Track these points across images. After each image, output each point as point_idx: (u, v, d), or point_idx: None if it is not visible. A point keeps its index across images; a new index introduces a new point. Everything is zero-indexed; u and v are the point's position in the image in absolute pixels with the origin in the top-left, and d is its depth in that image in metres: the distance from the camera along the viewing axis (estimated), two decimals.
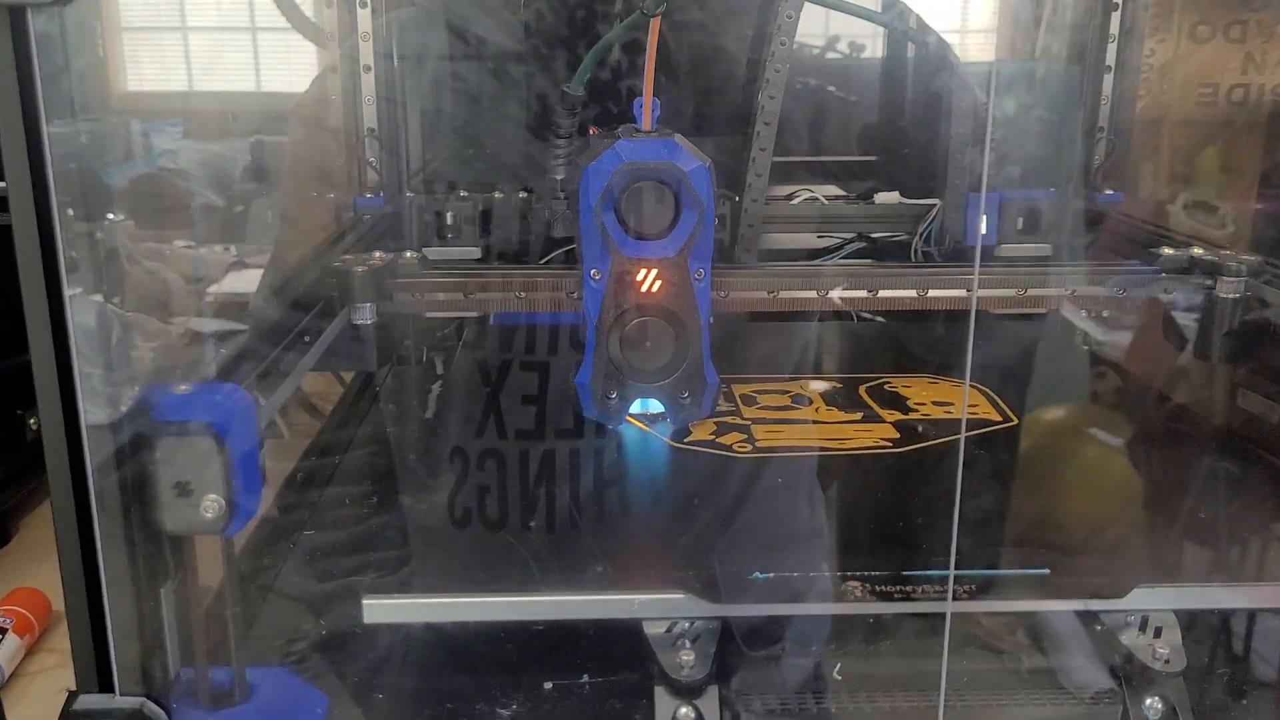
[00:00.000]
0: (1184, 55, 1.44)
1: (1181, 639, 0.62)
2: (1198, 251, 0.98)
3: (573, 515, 0.72)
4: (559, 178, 1.03)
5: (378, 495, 0.79)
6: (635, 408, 0.83)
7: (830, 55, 1.41)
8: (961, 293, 1.01)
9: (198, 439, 0.54)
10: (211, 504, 0.54)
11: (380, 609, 0.61)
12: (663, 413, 0.83)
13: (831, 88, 1.40)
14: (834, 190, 1.36)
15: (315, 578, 0.69)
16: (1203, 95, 1.45)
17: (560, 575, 0.64)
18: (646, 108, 0.77)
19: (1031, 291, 1.00)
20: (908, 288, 0.99)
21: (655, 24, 0.75)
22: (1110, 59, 1.20)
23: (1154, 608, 0.62)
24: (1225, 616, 0.64)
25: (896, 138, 1.36)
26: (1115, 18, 1.18)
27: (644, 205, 0.77)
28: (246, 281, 1.18)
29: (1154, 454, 0.87)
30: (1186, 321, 0.98)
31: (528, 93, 1.23)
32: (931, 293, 0.99)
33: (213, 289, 1.14)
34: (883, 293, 0.99)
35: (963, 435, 0.84)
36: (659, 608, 0.62)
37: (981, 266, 1.09)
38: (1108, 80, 1.20)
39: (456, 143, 1.29)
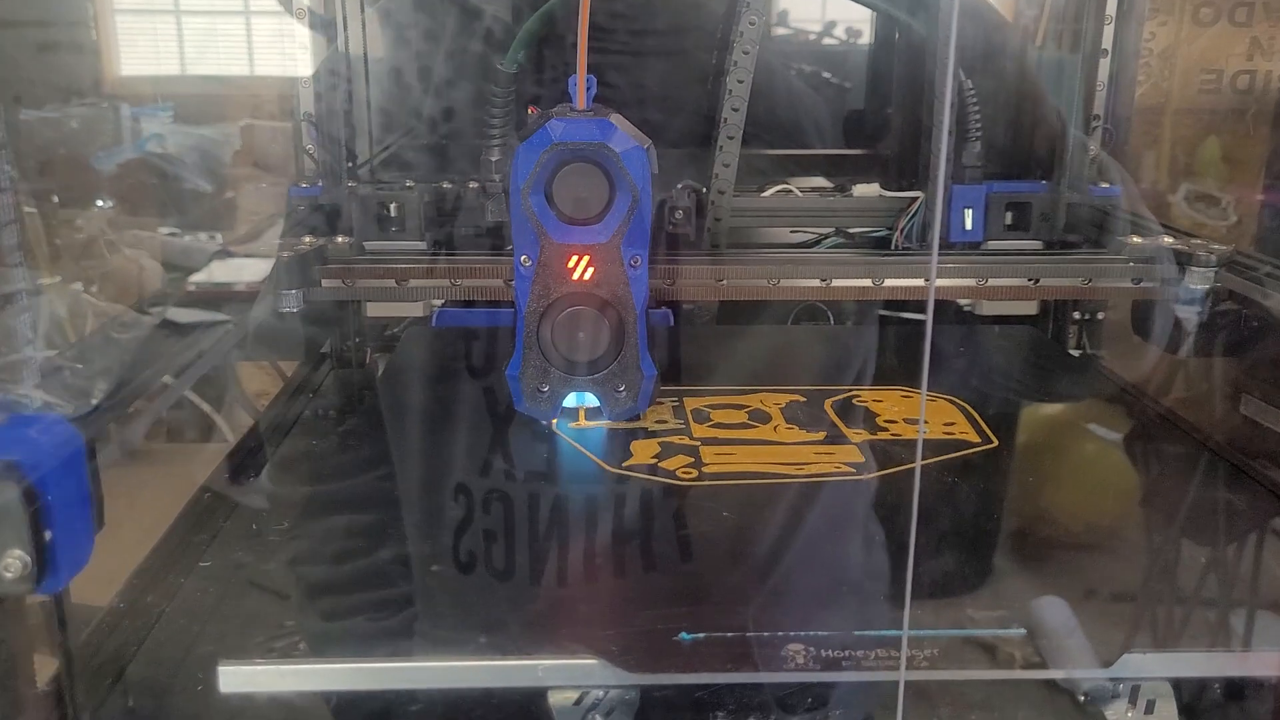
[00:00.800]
0: (1186, 39, 1.36)
1: (1177, 715, 0.53)
2: (1168, 240, 0.93)
3: (473, 559, 0.63)
4: (493, 159, 0.96)
5: (274, 523, 0.70)
6: (569, 401, 0.79)
7: (814, 39, 1.33)
8: (918, 282, 0.94)
9: None
10: (13, 562, 0.45)
11: (238, 676, 0.52)
12: (597, 407, 0.79)
13: (826, 74, 1.32)
14: (821, 182, 1.29)
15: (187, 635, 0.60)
16: (1205, 82, 1.37)
17: (452, 633, 0.55)
18: (581, 85, 0.72)
19: (992, 281, 0.93)
20: (860, 277, 0.93)
21: (585, 2, 0.70)
22: (1107, 42, 1.11)
23: (1146, 677, 0.54)
24: (1230, 688, 0.55)
25: (883, 126, 1.28)
26: None
27: (575, 188, 0.73)
28: (230, 270, 1.12)
29: (1157, 487, 0.79)
30: (1162, 315, 0.93)
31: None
32: (888, 282, 0.93)
33: (195, 278, 1.06)
34: (836, 282, 0.92)
35: (918, 464, 0.75)
36: (566, 674, 0.53)
37: (943, 256, 1.02)
38: (1104, 65, 1.11)
39: (411, 130, 1.21)
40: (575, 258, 0.74)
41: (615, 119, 0.72)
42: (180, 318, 0.87)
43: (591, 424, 0.81)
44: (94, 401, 0.63)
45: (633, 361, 0.77)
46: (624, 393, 0.78)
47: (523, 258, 0.75)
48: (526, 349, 0.77)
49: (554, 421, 0.81)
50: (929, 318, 0.92)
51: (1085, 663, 0.54)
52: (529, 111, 0.93)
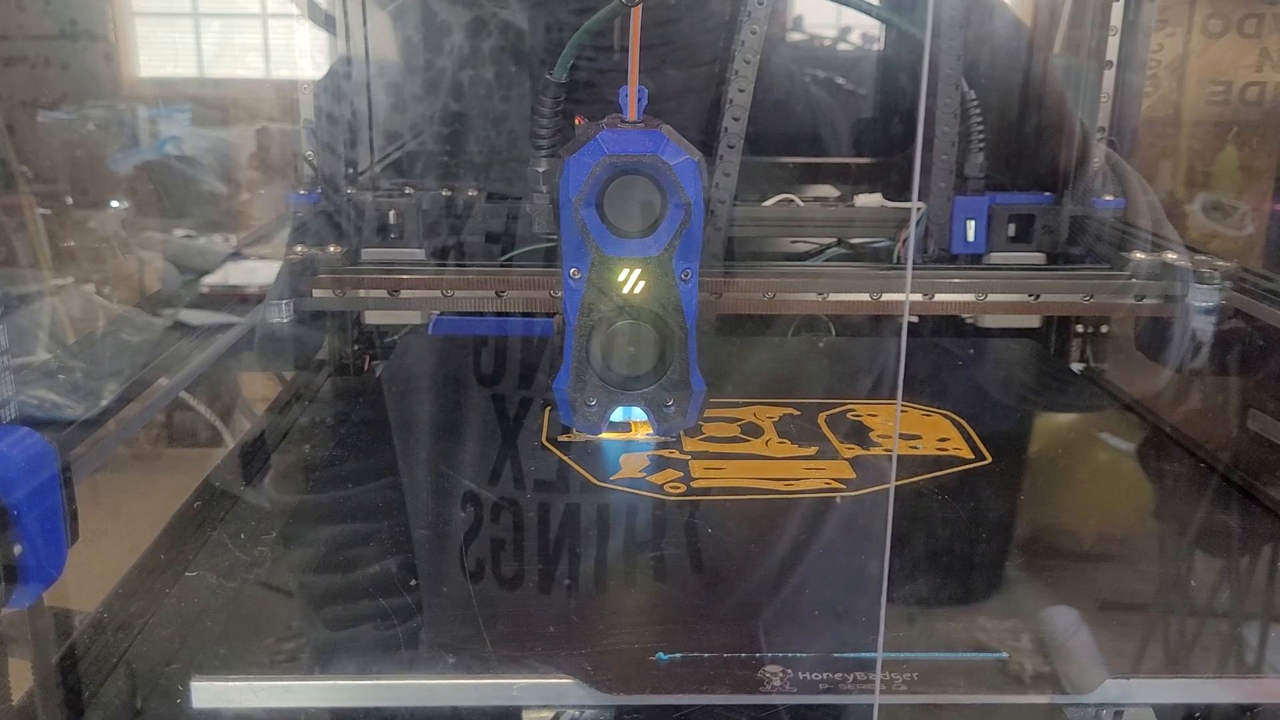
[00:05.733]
0: (1195, 51, 1.35)
1: None
2: (1171, 256, 0.92)
3: (452, 573, 0.62)
4: (540, 170, 0.96)
5: (261, 533, 0.70)
6: (617, 415, 0.78)
7: (827, 46, 1.32)
8: (917, 296, 0.93)
9: None
10: None
11: (211, 692, 0.52)
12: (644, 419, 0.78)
13: (840, 79, 1.31)
14: (828, 191, 1.28)
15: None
16: (1214, 93, 1.36)
17: (426, 651, 0.55)
18: (632, 96, 0.72)
19: (992, 297, 0.93)
20: (856, 291, 0.92)
21: (636, 13, 0.69)
22: (1111, 54, 1.10)
23: (1129, 703, 0.53)
24: (1213, 714, 0.54)
25: (891, 135, 1.27)
26: (1117, 9, 1.08)
27: (627, 201, 0.72)
28: (244, 272, 1.13)
29: (1150, 506, 0.78)
30: (1165, 332, 0.93)
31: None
32: (885, 296, 0.93)
33: (208, 279, 1.06)
34: (833, 296, 0.92)
35: (892, 485, 0.74)
36: (541, 694, 0.52)
37: (942, 270, 1.02)
38: (1108, 77, 1.11)
39: (413, 137, 1.21)
40: (626, 271, 0.74)
41: (666, 130, 0.72)
42: (192, 319, 0.87)
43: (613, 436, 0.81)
44: (103, 402, 0.63)
45: (683, 376, 0.76)
46: (673, 407, 0.77)
47: (572, 270, 0.74)
48: (575, 363, 0.76)
49: (542, 435, 0.81)
50: (903, 331, 0.91)
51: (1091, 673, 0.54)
52: (576, 122, 0.93)
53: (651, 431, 0.79)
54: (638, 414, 0.78)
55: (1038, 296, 0.94)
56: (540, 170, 0.99)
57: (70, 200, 1.77)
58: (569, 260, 0.74)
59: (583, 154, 0.71)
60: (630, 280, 0.74)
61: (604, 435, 0.80)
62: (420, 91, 1.18)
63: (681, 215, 0.72)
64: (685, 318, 0.75)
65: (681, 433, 0.82)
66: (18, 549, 0.46)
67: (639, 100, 0.72)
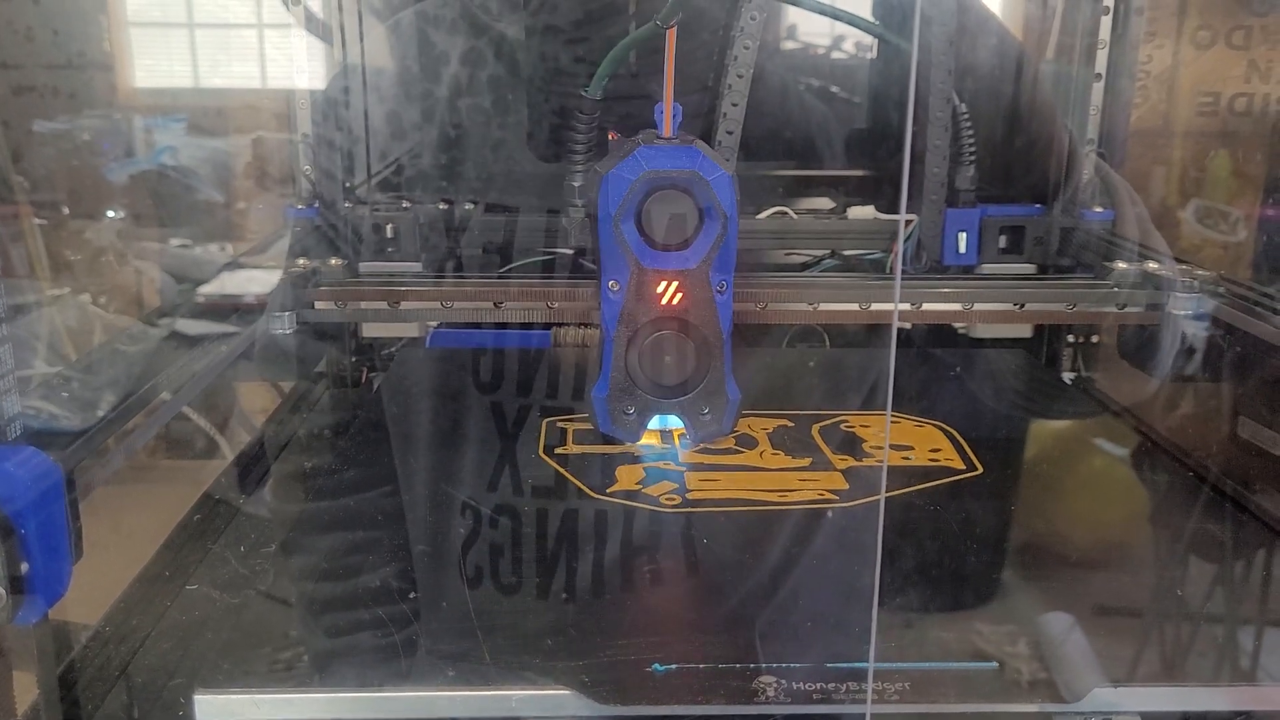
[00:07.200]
0: (1184, 62, 1.36)
1: None
2: (1151, 266, 0.95)
3: (449, 586, 0.63)
4: (576, 184, 0.97)
5: (245, 546, 0.71)
6: (653, 424, 0.78)
7: (821, 56, 1.33)
8: (905, 306, 0.95)
9: None
10: None
11: (214, 705, 0.52)
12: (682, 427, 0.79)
13: (834, 88, 1.32)
14: (823, 203, 1.29)
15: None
16: (1203, 104, 1.37)
17: (424, 663, 0.56)
18: (668, 114, 0.73)
19: (978, 306, 0.95)
20: (847, 301, 0.94)
21: (672, 34, 0.71)
22: (1100, 66, 1.11)
23: (1116, 711, 0.54)
24: None
25: (885, 147, 1.28)
26: (1106, 22, 1.09)
27: (665, 215, 0.73)
28: (240, 282, 1.13)
29: (1139, 515, 0.79)
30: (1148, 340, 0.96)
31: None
32: (874, 306, 0.94)
33: (204, 289, 1.07)
34: (823, 305, 0.93)
35: (882, 496, 0.75)
36: (539, 705, 0.53)
37: (930, 280, 1.03)
38: (1097, 88, 1.12)
39: (408, 150, 1.21)
40: (664, 283, 0.75)
41: (700, 146, 0.73)
42: (189, 329, 0.88)
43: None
44: (100, 413, 0.64)
45: (718, 385, 0.77)
46: (709, 415, 0.77)
47: (611, 283, 0.75)
48: (613, 372, 0.77)
49: (539, 447, 0.82)
50: (893, 342, 0.92)
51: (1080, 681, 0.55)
52: (610, 137, 0.94)
53: (688, 439, 0.80)
54: (674, 422, 0.79)
55: (1023, 305, 0.95)
56: (576, 185, 1.01)
57: (66, 210, 1.77)
58: (608, 273, 0.75)
59: (621, 169, 0.72)
60: (668, 292, 0.75)
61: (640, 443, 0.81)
62: (419, 104, 1.18)
63: (718, 229, 0.73)
64: (721, 328, 0.76)
65: (678, 444, 0.83)
66: (24, 566, 0.47)
67: (674, 117, 0.73)
